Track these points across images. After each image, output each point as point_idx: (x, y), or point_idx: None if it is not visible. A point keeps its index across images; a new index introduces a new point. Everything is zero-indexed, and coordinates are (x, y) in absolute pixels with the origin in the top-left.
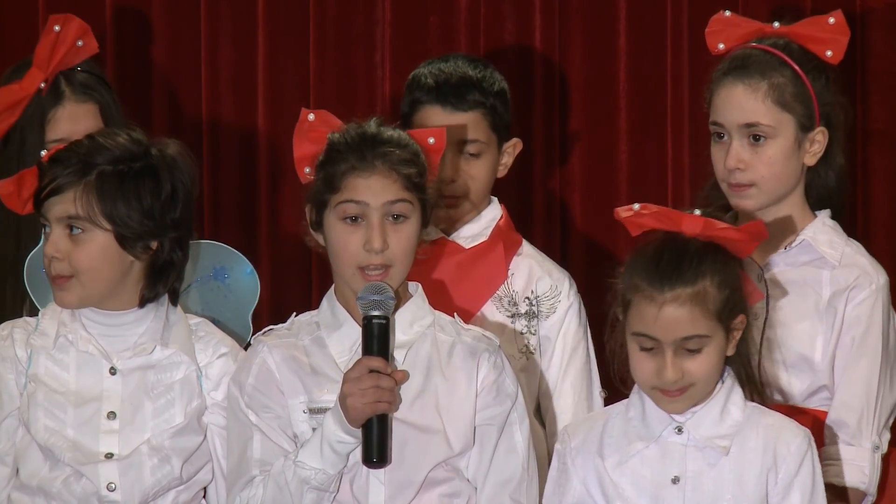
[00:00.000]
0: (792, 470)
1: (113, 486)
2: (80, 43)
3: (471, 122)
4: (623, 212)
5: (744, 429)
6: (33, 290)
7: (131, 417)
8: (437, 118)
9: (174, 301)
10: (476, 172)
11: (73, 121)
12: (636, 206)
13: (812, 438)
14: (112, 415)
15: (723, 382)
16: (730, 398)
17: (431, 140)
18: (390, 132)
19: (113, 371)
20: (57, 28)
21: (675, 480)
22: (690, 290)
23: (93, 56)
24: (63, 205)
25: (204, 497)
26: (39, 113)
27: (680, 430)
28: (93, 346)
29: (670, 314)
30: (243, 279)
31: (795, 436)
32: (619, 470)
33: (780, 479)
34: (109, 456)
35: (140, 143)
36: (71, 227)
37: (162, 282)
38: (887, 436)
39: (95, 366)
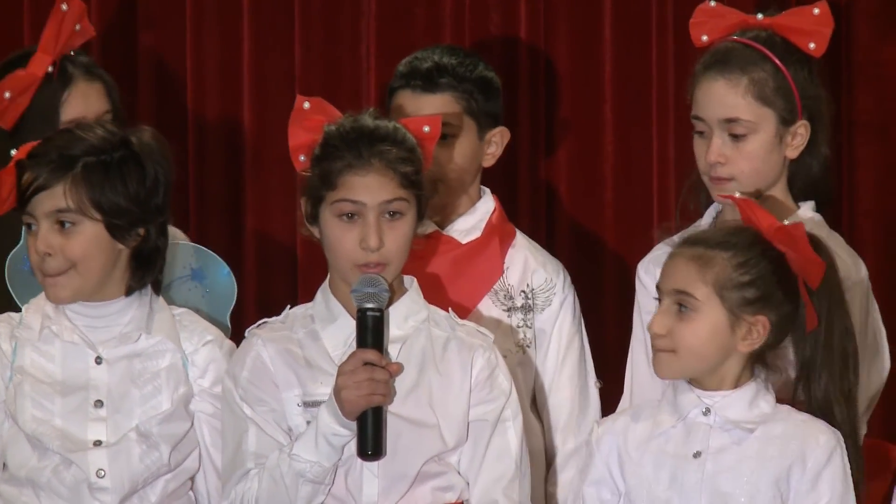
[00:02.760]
0: (821, 461)
1: (102, 472)
2: (77, 27)
3: (440, 105)
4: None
5: (772, 418)
6: (14, 288)
7: (118, 405)
8: (408, 102)
9: (157, 290)
10: (447, 156)
11: (86, 101)
12: (737, 193)
13: (842, 439)
14: (99, 403)
15: (755, 378)
16: (760, 394)
17: (427, 129)
18: (387, 126)
19: (99, 360)
20: (64, 7)
21: (697, 455)
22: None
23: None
24: (52, 200)
25: (192, 487)
26: (51, 97)
27: (707, 411)
28: (77, 335)
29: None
30: (220, 280)
31: (824, 431)
32: (641, 448)
33: (809, 469)
34: (98, 443)
35: (115, 133)
36: (61, 222)
37: (149, 270)
38: (863, 430)
39: (81, 355)
